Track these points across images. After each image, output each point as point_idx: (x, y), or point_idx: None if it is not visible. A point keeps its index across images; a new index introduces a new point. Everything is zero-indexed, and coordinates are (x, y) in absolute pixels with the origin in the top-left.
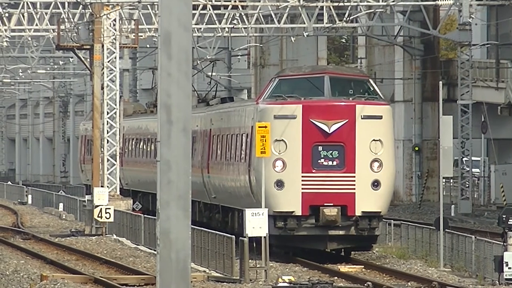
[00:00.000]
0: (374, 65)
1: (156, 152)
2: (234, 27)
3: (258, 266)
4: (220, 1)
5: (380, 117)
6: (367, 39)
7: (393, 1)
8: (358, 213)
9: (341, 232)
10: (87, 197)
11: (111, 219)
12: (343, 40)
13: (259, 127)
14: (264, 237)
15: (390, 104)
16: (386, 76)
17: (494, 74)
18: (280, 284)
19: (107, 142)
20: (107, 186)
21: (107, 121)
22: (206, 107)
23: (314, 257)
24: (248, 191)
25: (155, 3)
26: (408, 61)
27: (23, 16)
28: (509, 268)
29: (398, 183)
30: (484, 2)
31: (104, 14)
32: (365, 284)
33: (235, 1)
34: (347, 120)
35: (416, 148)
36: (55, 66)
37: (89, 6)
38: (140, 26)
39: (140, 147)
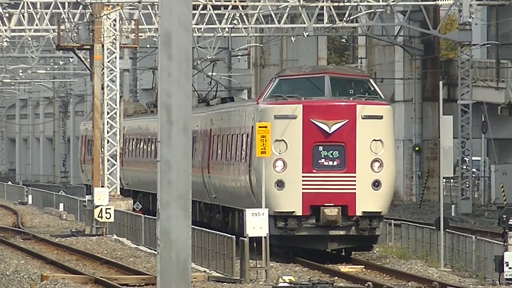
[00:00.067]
0: (374, 65)
1: (157, 152)
2: (234, 27)
3: (258, 266)
4: (220, 1)
5: (380, 117)
6: (367, 39)
7: (393, 1)
8: (358, 213)
9: (342, 232)
10: (88, 197)
11: (112, 219)
12: (343, 40)
13: (259, 127)
14: (265, 237)
15: (390, 104)
16: (386, 76)
17: (494, 74)
18: (280, 284)
19: (108, 142)
20: (108, 186)
21: (108, 121)
22: (206, 107)
23: (315, 257)
24: (248, 191)
25: (155, 3)
26: (408, 61)
27: (23, 16)
28: (510, 268)
29: (399, 183)
30: (484, 2)
31: (104, 14)
32: (366, 284)
33: (235, 1)
34: (347, 120)
35: (417, 148)
36: (55, 66)
37: (89, 6)
38: (140, 26)
39: (141, 147)
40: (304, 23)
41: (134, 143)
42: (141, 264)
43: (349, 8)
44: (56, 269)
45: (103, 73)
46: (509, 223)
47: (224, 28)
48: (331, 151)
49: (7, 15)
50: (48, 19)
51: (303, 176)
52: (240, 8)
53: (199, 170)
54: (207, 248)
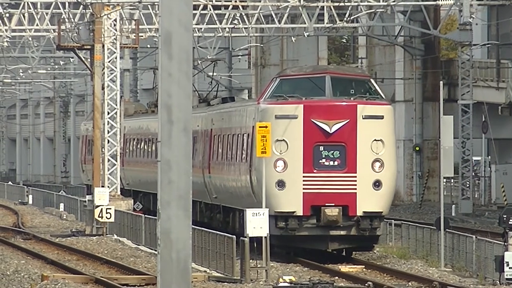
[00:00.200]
0: (374, 65)
1: (157, 152)
2: (235, 27)
3: (259, 266)
4: (220, 1)
5: (381, 117)
6: (367, 39)
7: (394, 1)
8: (359, 213)
9: (342, 232)
10: (88, 197)
11: (112, 219)
12: (344, 40)
13: (259, 127)
14: (265, 237)
15: (391, 104)
16: (387, 76)
17: (494, 74)
18: (280, 284)
19: (108, 142)
20: (108, 186)
21: (108, 121)
22: (207, 107)
23: (315, 257)
24: (249, 191)
25: (155, 3)
26: (408, 61)
27: (24, 16)
28: (510, 268)
29: (399, 183)
30: (485, 2)
31: (105, 14)
32: (366, 284)
33: (235, 1)
34: (348, 120)
35: (417, 148)
36: (56, 66)
37: (89, 6)
38: (140, 26)
39: (141, 147)
40: (305, 23)
41: (134, 143)
42: (141, 264)
43: (349, 8)
44: (57, 269)
45: (104, 73)
46: (510, 223)
47: (225, 28)
48: (332, 151)
49: (7, 15)
50: (49, 19)
51: (303, 176)
52: (241, 8)
53: (199, 170)
54: (207, 248)
